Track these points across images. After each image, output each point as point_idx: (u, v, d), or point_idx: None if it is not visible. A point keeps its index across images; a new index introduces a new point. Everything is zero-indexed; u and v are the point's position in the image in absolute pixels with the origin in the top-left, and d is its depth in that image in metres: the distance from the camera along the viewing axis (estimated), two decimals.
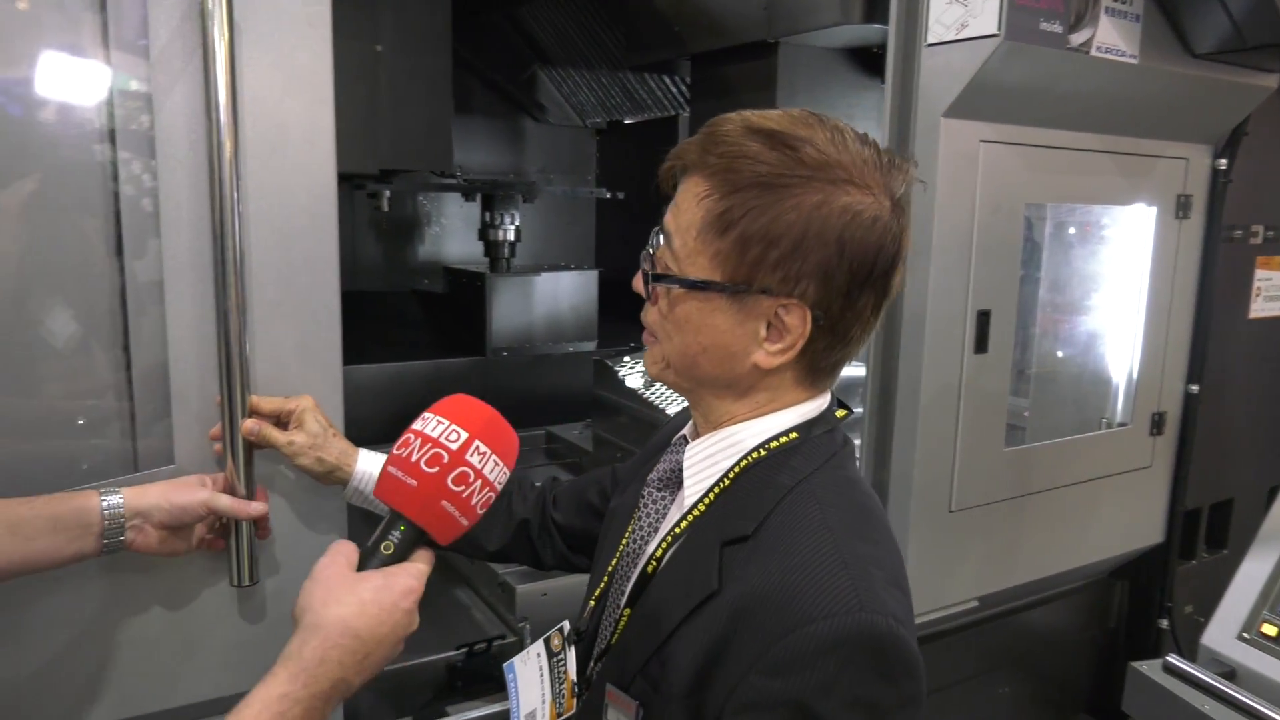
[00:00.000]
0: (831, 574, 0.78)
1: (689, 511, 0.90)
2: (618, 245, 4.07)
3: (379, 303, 3.79)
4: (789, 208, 0.80)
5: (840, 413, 0.94)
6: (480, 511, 0.88)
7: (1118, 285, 2.15)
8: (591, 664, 0.98)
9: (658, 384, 2.78)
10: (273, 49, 1.17)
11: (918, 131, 1.67)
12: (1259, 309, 2.25)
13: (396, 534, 0.86)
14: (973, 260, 1.74)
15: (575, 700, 0.98)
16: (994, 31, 1.54)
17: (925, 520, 1.79)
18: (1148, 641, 2.33)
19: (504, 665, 1.08)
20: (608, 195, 3.53)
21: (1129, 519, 2.18)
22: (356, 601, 0.80)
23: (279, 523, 1.25)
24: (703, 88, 2.71)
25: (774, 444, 0.88)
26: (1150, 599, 2.32)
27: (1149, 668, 2.17)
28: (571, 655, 1.01)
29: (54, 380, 1.19)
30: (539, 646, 1.04)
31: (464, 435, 0.86)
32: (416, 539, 0.87)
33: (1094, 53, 1.67)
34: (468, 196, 3.68)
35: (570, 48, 3.46)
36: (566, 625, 1.03)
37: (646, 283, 0.88)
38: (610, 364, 3.00)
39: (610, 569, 1.00)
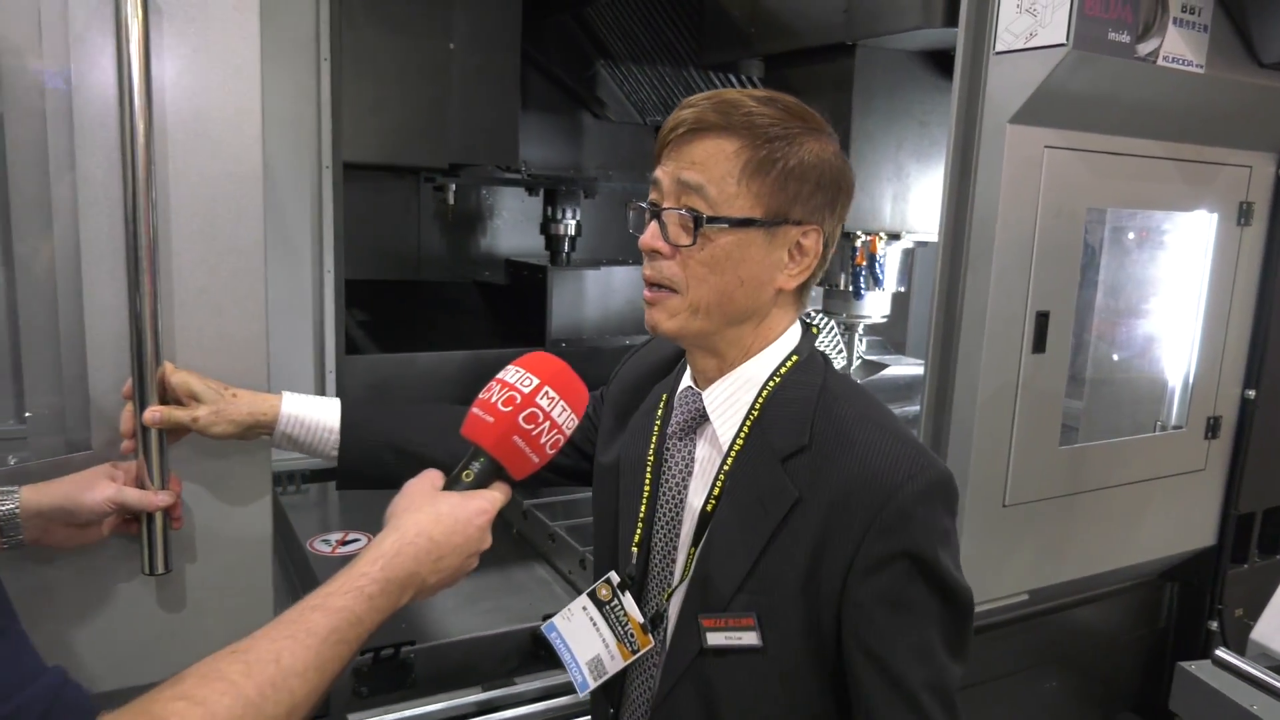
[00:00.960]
0: (895, 449, 0.96)
1: (730, 449, 1.02)
2: None
3: (442, 293, 3.90)
4: (807, 152, 0.98)
5: (814, 329, 1.10)
6: (550, 452, 0.97)
7: (1175, 290, 2.17)
8: (663, 600, 1.08)
9: None
10: (196, 33, 1.16)
11: (983, 137, 1.73)
12: None
13: (476, 465, 0.96)
14: (1034, 262, 1.79)
15: (649, 636, 1.08)
16: (1062, 41, 1.59)
17: (979, 513, 1.84)
18: (1196, 643, 2.36)
19: (543, 628, 1.16)
20: None
21: (1181, 521, 2.21)
22: (433, 511, 0.90)
23: (199, 510, 1.24)
24: (776, 88, 2.75)
25: (783, 369, 1.04)
26: (1200, 601, 2.35)
27: (1197, 667, 2.20)
28: (628, 599, 1.10)
29: None
30: (583, 601, 1.12)
31: (535, 381, 0.96)
32: (494, 472, 0.96)
33: (1161, 62, 1.71)
34: (531, 191, 3.79)
35: (635, 46, 3.54)
36: (614, 576, 1.11)
37: (698, 227, 0.97)
38: None
39: (642, 516, 1.09)
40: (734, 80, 3.39)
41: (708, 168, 0.97)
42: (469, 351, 3.22)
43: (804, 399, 1.01)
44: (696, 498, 1.06)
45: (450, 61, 3.08)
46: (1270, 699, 1.88)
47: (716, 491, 1.03)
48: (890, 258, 2.40)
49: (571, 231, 3.59)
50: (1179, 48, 1.72)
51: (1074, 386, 2.18)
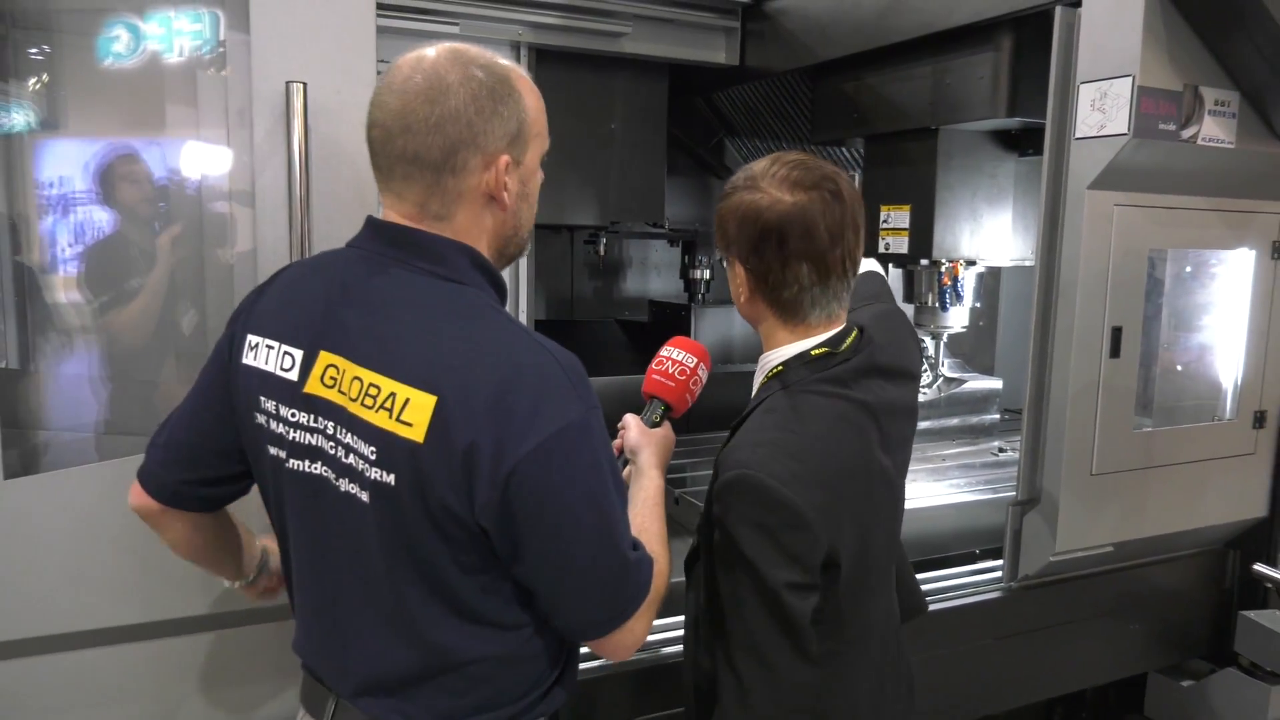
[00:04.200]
0: (744, 449, 1.33)
1: (745, 414, 1.44)
2: None
3: (592, 330, 4.61)
4: (729, 204, 1.41)
5: (816, 351, 1.41)
6: (697, 397, 1.61)
7: (1225, 311, 2.75)
8: None
9: None
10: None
11: (1067, 200, 2.36)
12: None
13: (658, 411, 1.57)
14: (1109, 290, 2.40)
15: None
16: (1125, 131, 2.21)
17: (1072, 480, 2.43)
18: (1256, 599, 2.87)
19: None
20: None
21: (1237, 495, 2.76)
22: (656, 442, 1.53)
23: None
24: (874, 159, 3.42)
25: (774, 371, 1.43)
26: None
27: (1256, 614, 2.73)
28: None
29: None
30: None
31: (695, 360, 1.60)
32: (667, 411, 1.59)
33: (1200, 142, 2.31)
34: (672, 243, 4.49)
35: (757, 121, 4.24)
36: None
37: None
38: None
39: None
40: (840, 150, 4.08)
41: None
42: (616, 378, 3.86)
43: (758, 399, 1.42)
44: None
45: (611, 139, 3.79)
46: None
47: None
48: (968, 280, 3.06)
49: (706, 275, 4.27)
50: (1214, 131, 2.33)
51: (1145, 386, 2.75)
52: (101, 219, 1.89)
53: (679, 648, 1.86)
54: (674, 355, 1.60)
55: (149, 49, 1.77)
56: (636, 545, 1.23)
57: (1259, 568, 2.52)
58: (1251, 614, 2.75)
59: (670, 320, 4.24)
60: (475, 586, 1.18)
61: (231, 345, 1.30)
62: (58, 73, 1.92)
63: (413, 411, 1.10)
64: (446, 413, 1.09)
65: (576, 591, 1.19)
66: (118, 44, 1.79)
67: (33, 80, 1.91)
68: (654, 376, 1.59)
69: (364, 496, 1.16)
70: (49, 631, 1.71)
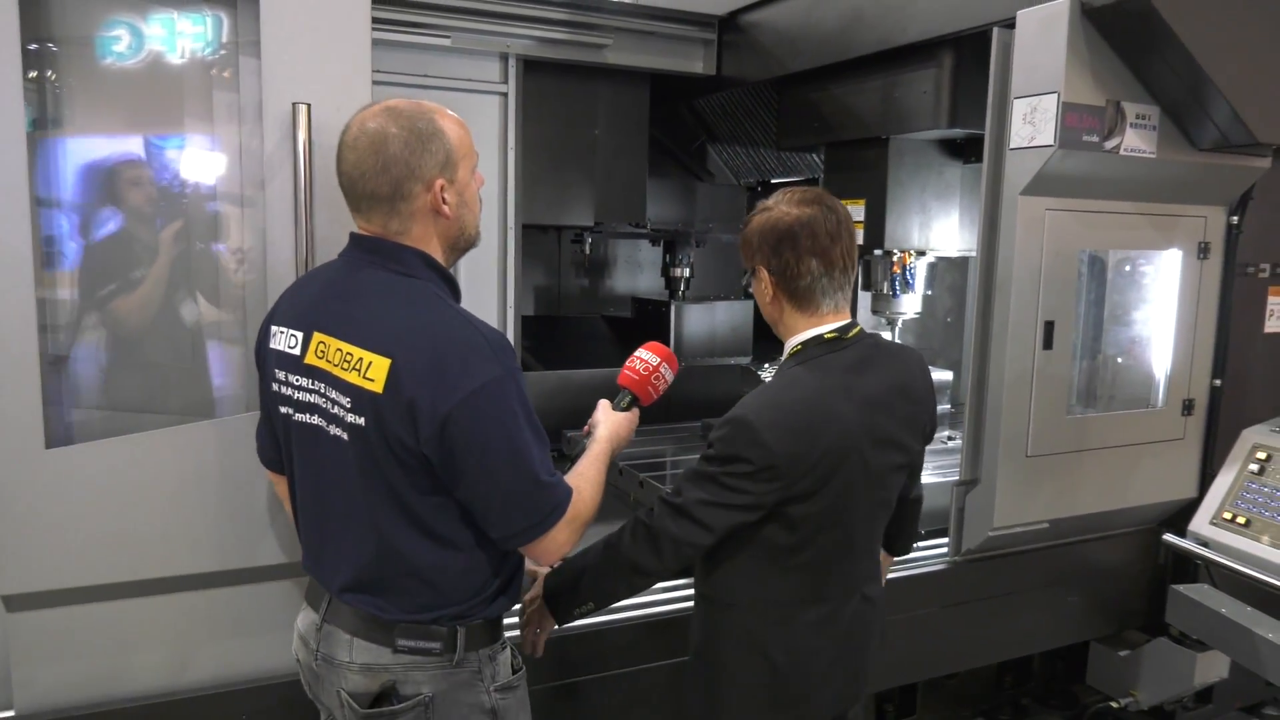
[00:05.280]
0: (748, 399, 1.70)
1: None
2: None
3: (578, 325, 4.83)
4: (747, 229, 1.77)
5: (829, 334, 1.75)
6: (660, 394, 1.91)
7: (1157, 306, 2.98)
8: None
9: None
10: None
11: (1003, 205, 2.58)
12: (1272, 326, 3.04)
13: (626, 399, 1.89)
14: (1041, 288, 2.62)
15: None
16: (1051, 143, 2.44)
17: (1009, 460, 2.65)
18: (1187, 575, 3.10)
19: None
20: None
21: (1167, 477, 2.98)
22: (616, 420, 1.85)
23: None
24: (834, 165, 3.68)
25: (794, 350, 1.77)
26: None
27: (1185, 589, 2.96)
28: None
29: None
30: None
31: (658, 359, 1.91)
32: (634, 401, 1.90)
33: (1123, 152, 2.54)
34: (654, 242, 4.71)
35: (738, 128, 4.46)
36: None
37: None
38: (755, 371, 4.05)
39: None
40: (809, 156, 4.31)
41: None
42: (601, 370, 4.08)
43: (775, 374, 1.81)
44: None
45: (595, 143, 4.00)
46: (1235, 603, 2.62)
47: None
48: (919, 269, 3.34)
49: (686, 274, 4.50)
50: (1136, 142, 2.55)
51: (1083, 381, 2.98)
52: (129, 218, 2.11)
53: (668, 607, 2.32)
54: (642, 355, 1.94)
55: (182, 71, 2.00)
56: (553, 474, 1.56)
57: (1168, 538, 2.75)
58: (1181, 588, 2.97)
59: (652, 316, 4.46)
60: (429, 506, 1.52)
61: (260, 339, 1.67)
62: (78, 77, 2.11)
63: (374, 371, 1.47)
64: (398, 371, 1.45)
65: (500, 506, 1.52)
66: (140, 54, 2.02)
67: (33, 74, 2.08)
68: (625, 371, 1.94)
69: (345, 437, 1.52)
70: (80, 583, 1.93)
